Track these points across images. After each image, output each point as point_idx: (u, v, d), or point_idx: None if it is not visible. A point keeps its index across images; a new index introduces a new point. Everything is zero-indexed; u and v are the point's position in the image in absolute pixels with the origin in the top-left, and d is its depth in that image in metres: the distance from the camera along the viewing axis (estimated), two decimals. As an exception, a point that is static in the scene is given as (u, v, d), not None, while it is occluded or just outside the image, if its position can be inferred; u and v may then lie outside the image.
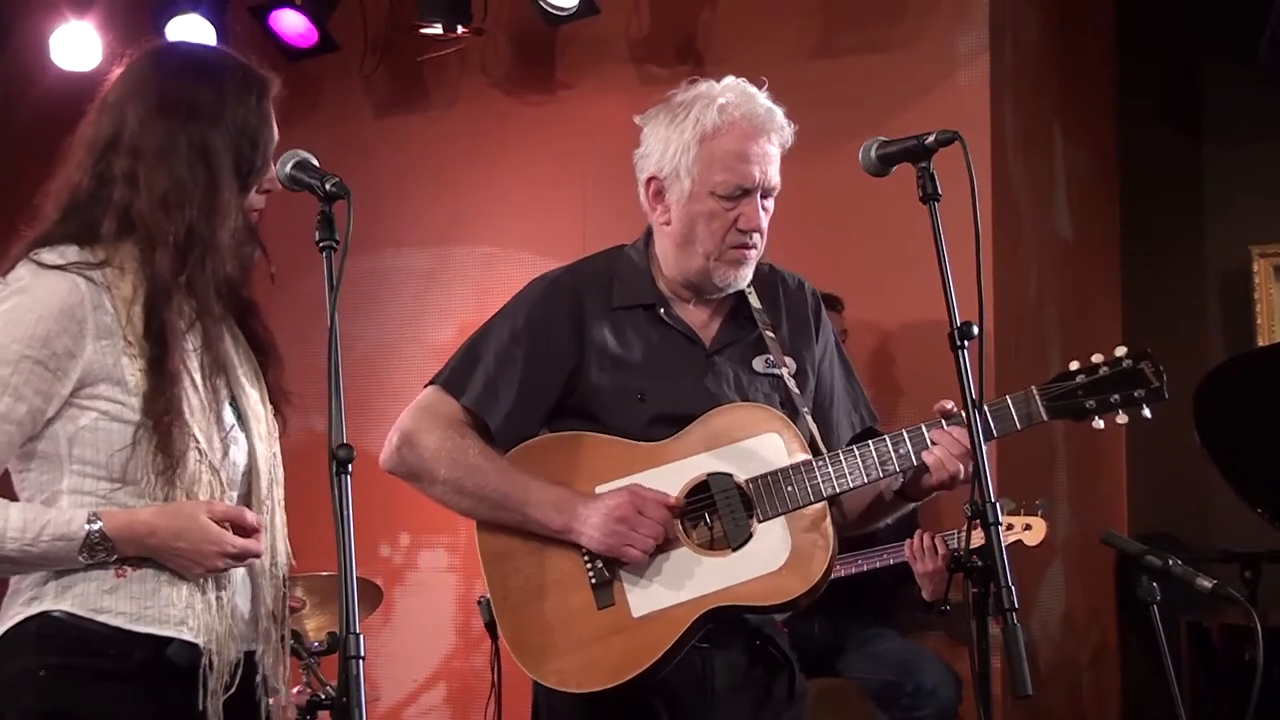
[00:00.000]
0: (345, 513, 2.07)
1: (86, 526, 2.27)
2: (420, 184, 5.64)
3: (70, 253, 2.34)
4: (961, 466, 2.57)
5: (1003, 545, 2.14)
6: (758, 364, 2.78)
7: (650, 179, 2.78)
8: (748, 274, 2.77)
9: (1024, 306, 5.16)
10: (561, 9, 5.12)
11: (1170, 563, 2.85)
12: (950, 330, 2.28)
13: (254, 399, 2.48)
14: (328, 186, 2.21)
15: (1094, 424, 2.54)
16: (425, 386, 2.83)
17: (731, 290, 2.78)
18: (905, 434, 2.60)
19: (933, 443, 2.57)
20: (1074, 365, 2.55)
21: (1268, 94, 5.47)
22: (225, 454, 2.39)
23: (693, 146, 2.70)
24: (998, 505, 2.17)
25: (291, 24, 5.44)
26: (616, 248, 2.91)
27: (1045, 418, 2.55)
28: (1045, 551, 4.47)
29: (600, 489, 2.68)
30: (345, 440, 2.16)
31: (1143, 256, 5.81)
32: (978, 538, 2.22)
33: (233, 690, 2.35)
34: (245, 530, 2.35)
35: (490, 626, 2.73)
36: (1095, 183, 5.82)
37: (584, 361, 2.75)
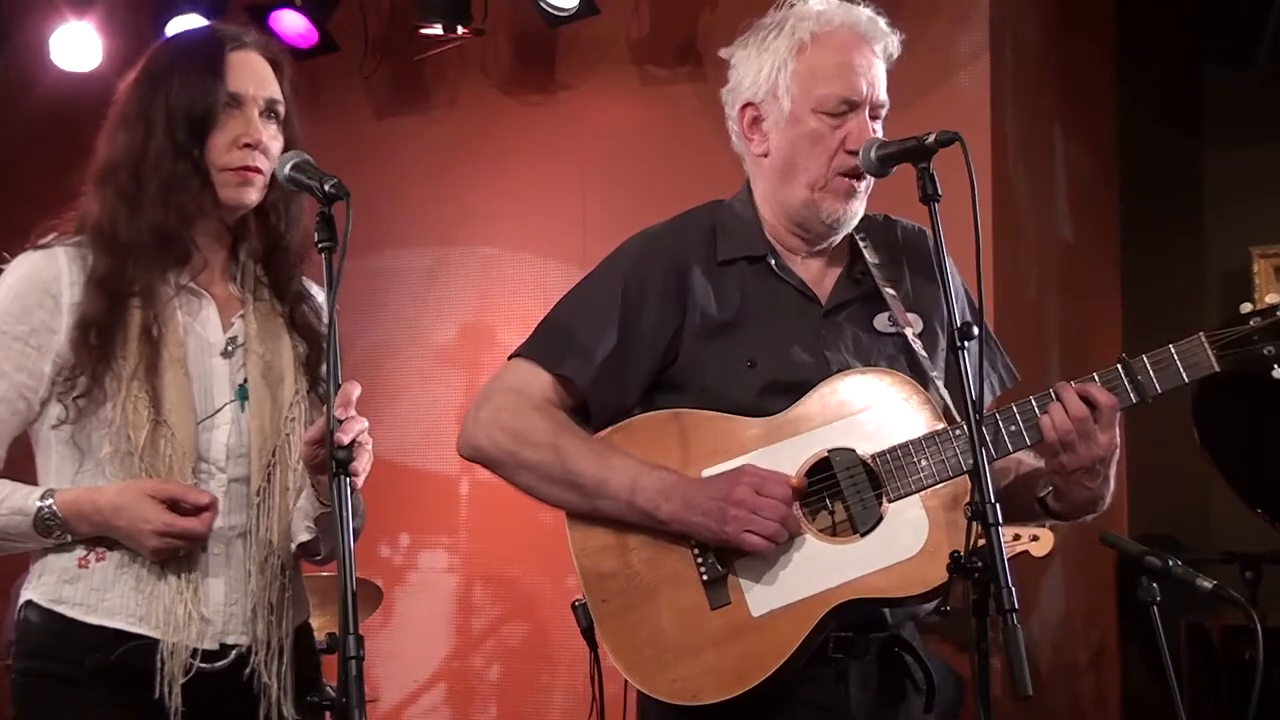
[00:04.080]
0: (345, 513, 2.06)
1: (39, 503, 2.29)
2: (420, 184, 5.64)
3: (68, 237, 2.38)
4: (1076, 434, 2.29)
5: (1003, 546, 2.13)
6: (879, 323, 2.49)
7: (745, 106, 2.52)
8: (858, 209, 2.48)
9: (1024, 306, 5.16)
10: (561, 9, 5.12)
11: (1170, 564, 2.84)
12: (950, 330, 2.27)
13: (276, 379, 2.42)
14: (327, 188, 2.20)
15: (1275, 373, 2.29)
16: (509, 359, 2.54)
17: (840, 229, 2.49)
18: (1032, 400, 2.34)
19: (1057, 396, 2.30)
20: (1246, 307, 2.32)
21: (1268, 94, 5.47)
22: (207, 433, 2.35)
23: (790, 62, 2.47)
24: (998, 506, 2.16)
25: (291, 24, 5.44)
26: (715, 201, 2.61)
27: (1217, 368, 2.30)
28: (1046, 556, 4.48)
29: (707, 472, 2.39)
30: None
31: (1143, 256, 5.80)
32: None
33: (205, 680, 2.31)
34: (195, 510, 2.29)
35: (588, 634, 2.46)
36: (1095, 183, 5.82)
37: (686, 324, 2.46)
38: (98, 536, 2.32)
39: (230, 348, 2.42)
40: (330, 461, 2.09)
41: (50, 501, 2.29)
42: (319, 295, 2.54)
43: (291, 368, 2.45)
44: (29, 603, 2.35)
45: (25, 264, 2.37)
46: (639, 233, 2.60)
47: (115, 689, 2.29)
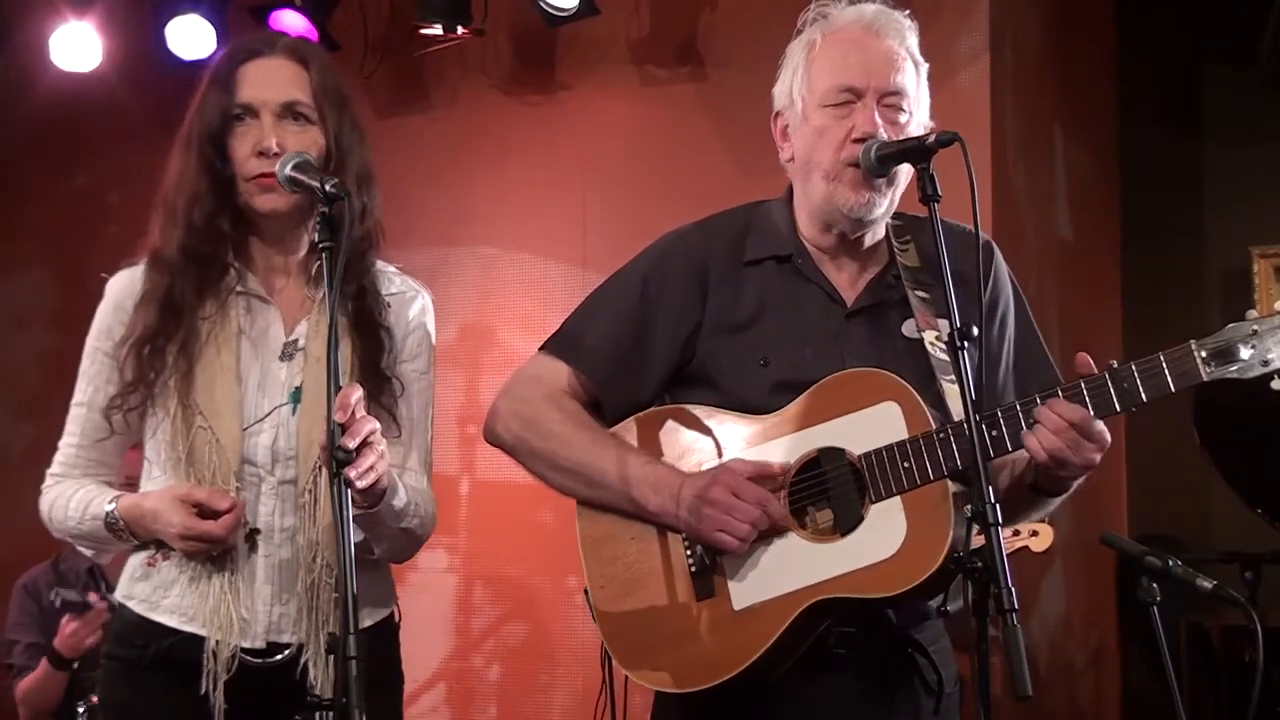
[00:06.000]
0: (345, 513, 2.08)
1: (105, 507, 2.42)
2: (420, 184, 5.64)
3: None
4: (1068, 449, 2.26)
5: (1003, 546, 2.13)
6: (908, 328, 2.49)
7: (775, 115, 2.58)
8: (878, 200, 2.46)
9: (1024, 307, 5.15)
10: (561, 9, 5.12)
11: (1170, 564, 2.85)
12: (950, 330, 2.27)
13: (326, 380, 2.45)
14: (327, 188, 2.22)
15: (1274, 384, 2.24)
16: (538, 350, 2.63)
17: (865, 220, 2.48)
18: (1017, 405, 2.32)
19: (1033, 421, 2.29)
20: (1251, 314, 2.26)
21: (1268, 94, 5.47)
22: (253, 438, 2.42)
23: (802, 65, 2.52)
24: (998, 506, 2.16)
25: (291, 24, 5.44)
26: (756, 202, 2.65)
27: (1204, 379, 2.25)
28: (1046, 553, 4.47)
29: (705, 468, 2.46)
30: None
31: (1143, 256, 5.81)
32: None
33: (253, 674, 2.39)
34: (219, 513, 2.36)
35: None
36: (1095, 183, 5.82)
37: (705, 323, 2.52)
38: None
39: (290, 351, 2.47)
40: (330, 461, 2.11)
41: (113, 507, 2.42)
42: (395, 285, 2.59)
43: (348, 368, 2.47)
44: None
45: (114, 284, 2.52)
46: (671, 230, 2.66)
47: (171, 676, 2.40)
